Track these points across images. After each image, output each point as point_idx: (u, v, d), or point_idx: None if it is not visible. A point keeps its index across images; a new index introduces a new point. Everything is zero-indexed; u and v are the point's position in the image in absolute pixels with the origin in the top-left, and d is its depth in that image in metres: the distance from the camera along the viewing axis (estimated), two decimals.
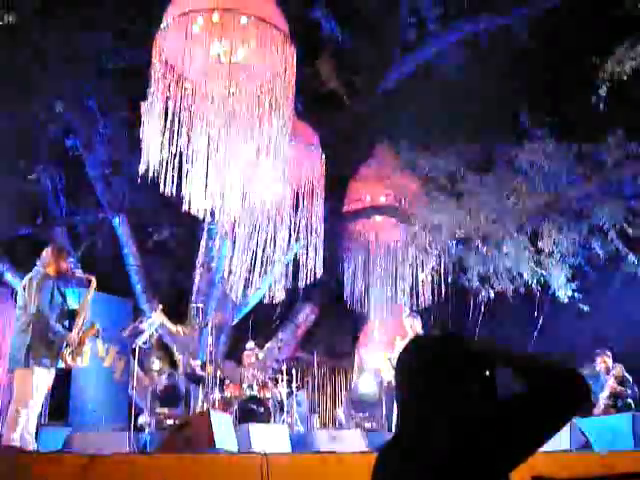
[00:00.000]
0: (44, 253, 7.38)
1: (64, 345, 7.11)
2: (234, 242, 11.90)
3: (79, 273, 7.95)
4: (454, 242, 13.29)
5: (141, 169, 9.70)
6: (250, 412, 10.21)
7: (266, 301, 12.95)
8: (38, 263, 7.36)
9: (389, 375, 9.85)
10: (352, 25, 14.04)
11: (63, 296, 7.37)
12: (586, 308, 13.11)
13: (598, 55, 12.28)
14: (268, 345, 14.03)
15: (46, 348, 6.95)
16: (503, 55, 13.70)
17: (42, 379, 7.00)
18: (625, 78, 11.97)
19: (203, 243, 13.12)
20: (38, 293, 7.00)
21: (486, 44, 14.33)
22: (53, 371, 7.18)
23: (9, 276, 12.78)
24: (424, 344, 2.46)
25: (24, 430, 6.81)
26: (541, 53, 13.58)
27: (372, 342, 13.85)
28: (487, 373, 2.19)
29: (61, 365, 7.25)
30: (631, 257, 12.68)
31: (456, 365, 2.23)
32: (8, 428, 6.76)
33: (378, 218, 14.34)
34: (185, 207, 10.07)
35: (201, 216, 10.32)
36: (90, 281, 7.74)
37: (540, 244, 12.89)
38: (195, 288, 13.43)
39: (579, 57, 12.59)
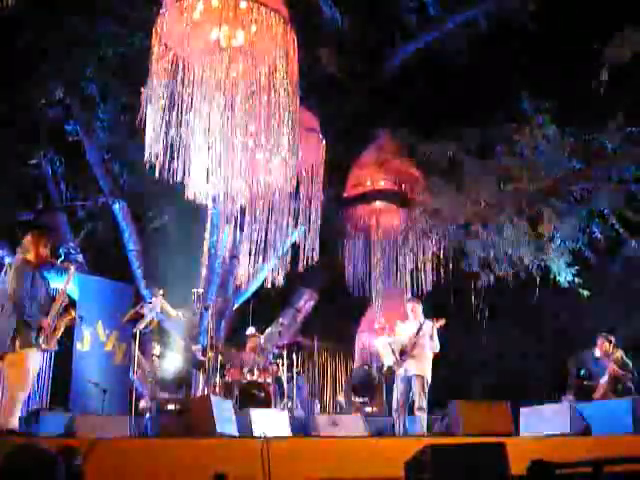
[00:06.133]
0: (24, 239, 7.40)
1: (37, 330, 7.07)
2: (235, 227, 11.89)
3: (58, 262, 7.93)
4: (454, 227, 13.28)
5: (144, 154, 9.66)
6: (251, 397, 10.24)
7: (266, 286, 12.97)
8: (18, 249, 7.39)
9: (389, 360, 9.87)
10: (353, 9, 13.97)
11: (45, 281, 7.37)
12: (586, 293, 13.12)
13: (599, 39, 12.25)
14: (269, 330, 14.06)
15: (30, 331, 6.95)
16: (503, 39, 13.65)
17: (34, 362, 7.04)
18: (626, 62, 11.95)
19: (205, 228, 13.10)
20: (17, 278, 7.03)
21: (486, 28, 14.27)
22: (40, 353, 7.20)
23: (9, 261, 12.76)
24: None
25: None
26: (542, 37, 13.52)
27: (372, 327, 13.85)
28: None
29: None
30: (631, 242, 12.69)
31: None
32: (7, 413, 6.77)
33: (378, 203, 14.32)
34: (187, 192, 10.07)
35: (202, 201, 10.31)
36: (69, 268, 7.75)
37: (540, 229, 12.89)
38: (196, 273, 13.42)
39: (580, 41, 12.55)
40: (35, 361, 7.09)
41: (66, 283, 7.64)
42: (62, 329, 7.42)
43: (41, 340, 7.03)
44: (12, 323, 6.90)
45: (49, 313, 7.20)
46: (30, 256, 7.27)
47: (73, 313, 7.65)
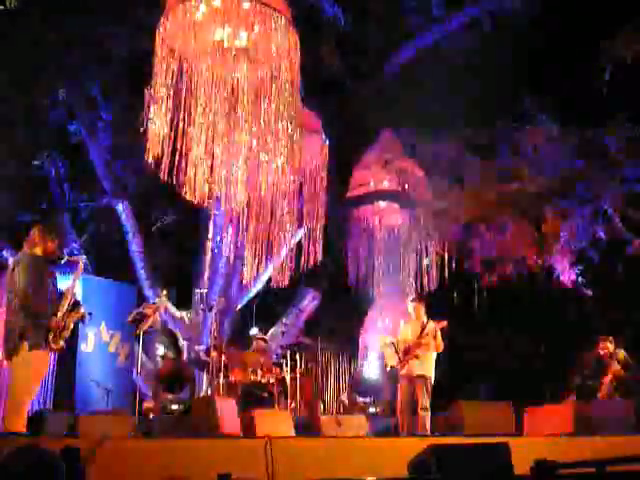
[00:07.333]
0: (31, 234, 7.19)
1: (46, 329, 6.88)
2: (238, 228, 11.89)
3: (67, 256, 7.73)
4: (457, 227, 13.28)
5: (146, 156, 9.64)
6: (254, 397, 10.24)
7: (270, 287, 12.97)
8: (25, 244, 7.14)
9: (393, 360, 9.86)
10: (355, 9, 13.97)
11: (54, 277, 7.20)
12: (589, 292, 13.12)
13: (602, 38, 12.24)
14: (272, 330, 14.07)
15: (39, 330, 6.78)
16: (505, 39, 13.63)
17: (41, 362, 6.91)
18: (629, 62, 11.95)
19: (208, 229, 13.10)
20: (25, 274, 6.81)
21: (488, 28, 14.26)
22: (49, 353, 7.04)
23: (15, 258, 12.72)
24: None
25: None
26: (544, 37, 13.51)
27: (376, 327, 13.86)
28: None
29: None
30: (635, 241, 12.69)
31: None
32: (14, 415, 6.67)
33: (381, 203, 14.31)
34: (189, 194, 10.06)
35: (205, 203, 10.30)
36: (77, 263, 7.52)
37: (543, 228, 12.89)
38: (199, 273, 13.44)
39: (582, 40, 12.54)
40: (44, 362, 6.92)
41: (75, 278, 7.33)
42: (71, 327, 7.24)
43: (50, 340, 6.87)
44: (21, 322, 6.68)
45: (58, 311, 6.97)
46: (38, 250, 7.02)
47: (82, 310, 7.43)
